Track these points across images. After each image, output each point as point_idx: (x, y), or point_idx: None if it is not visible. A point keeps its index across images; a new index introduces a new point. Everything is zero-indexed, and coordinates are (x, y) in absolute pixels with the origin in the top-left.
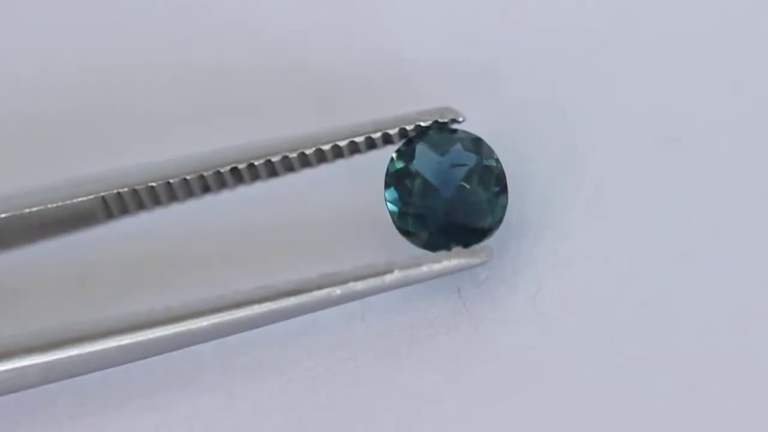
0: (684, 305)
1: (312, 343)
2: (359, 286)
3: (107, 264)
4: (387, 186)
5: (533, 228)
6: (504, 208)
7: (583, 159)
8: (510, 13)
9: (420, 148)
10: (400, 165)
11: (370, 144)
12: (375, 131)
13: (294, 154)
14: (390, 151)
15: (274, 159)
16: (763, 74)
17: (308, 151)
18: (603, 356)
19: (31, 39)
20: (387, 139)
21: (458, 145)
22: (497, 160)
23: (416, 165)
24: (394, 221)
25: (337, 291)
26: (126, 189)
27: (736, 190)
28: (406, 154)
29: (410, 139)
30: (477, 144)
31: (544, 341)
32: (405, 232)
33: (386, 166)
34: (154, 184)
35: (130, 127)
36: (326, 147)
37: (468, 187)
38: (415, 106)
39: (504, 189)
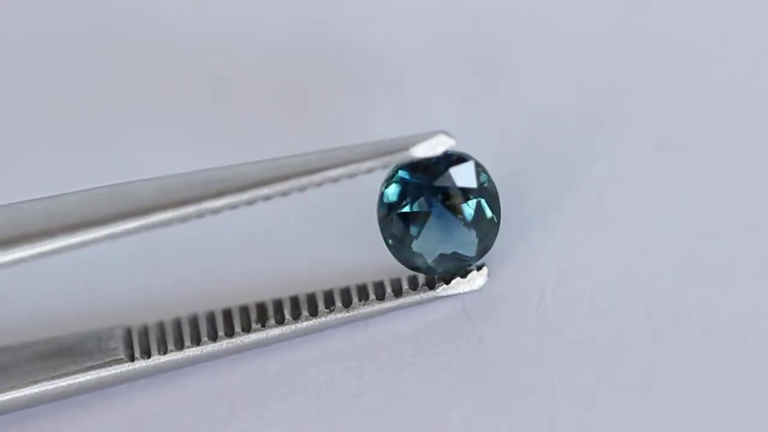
0: (685, 312)
1: (315, 351)
2: (360, 310)
3: None
4: (381, 222)
5: (534, 237)
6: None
7: (583, 167)
8: (510, 18)
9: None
10: (392, 204)
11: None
12: (358, 161)
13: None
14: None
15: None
16: (764, 82)
17: (294, 182)
18: (606, 364)
19: (31, 45)
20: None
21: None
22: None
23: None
24: (392, 254)
25: (333, 317)
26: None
27: (736, 198)
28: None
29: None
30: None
31: (548, 350)
32: (404, 262)
33: (378, 197)
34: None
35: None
36: (313, 176)
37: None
38: (416, 117)
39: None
